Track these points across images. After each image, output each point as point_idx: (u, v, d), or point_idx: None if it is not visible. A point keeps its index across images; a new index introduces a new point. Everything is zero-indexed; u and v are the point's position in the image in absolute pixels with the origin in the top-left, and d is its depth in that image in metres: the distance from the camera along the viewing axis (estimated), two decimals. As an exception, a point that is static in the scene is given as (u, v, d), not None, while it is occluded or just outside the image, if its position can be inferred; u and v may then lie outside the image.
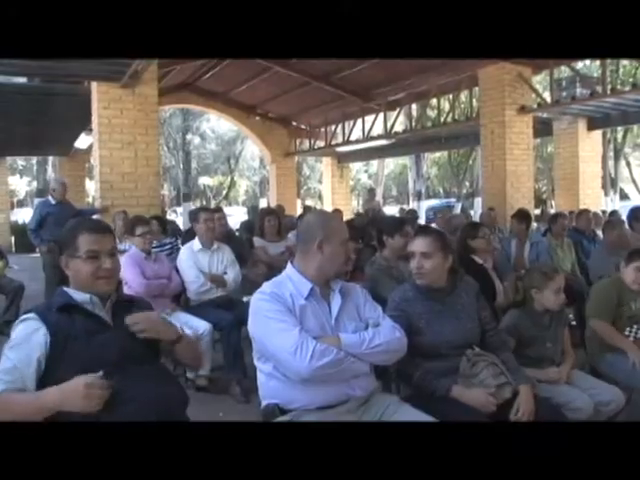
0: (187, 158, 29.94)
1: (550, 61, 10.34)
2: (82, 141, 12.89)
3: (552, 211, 14.60)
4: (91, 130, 9.58)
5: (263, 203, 25.54)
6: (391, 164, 36.63)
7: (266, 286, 2.50)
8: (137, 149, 8.63)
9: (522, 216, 7.13)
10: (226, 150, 34.65)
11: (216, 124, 32.29)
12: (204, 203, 34.88)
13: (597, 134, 12.82)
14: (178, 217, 24.97)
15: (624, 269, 3.83)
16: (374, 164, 32.83)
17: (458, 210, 19.47)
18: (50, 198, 8.12)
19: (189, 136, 30.53)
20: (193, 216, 5.69)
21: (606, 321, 3.71)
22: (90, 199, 22.52)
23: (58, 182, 8.50)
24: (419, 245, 2.92)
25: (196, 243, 5.31)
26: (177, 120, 29.28)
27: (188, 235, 7.06)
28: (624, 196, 27.06)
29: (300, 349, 2.24)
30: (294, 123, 17.16)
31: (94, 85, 8.56)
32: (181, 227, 11.81)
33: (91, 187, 22.10)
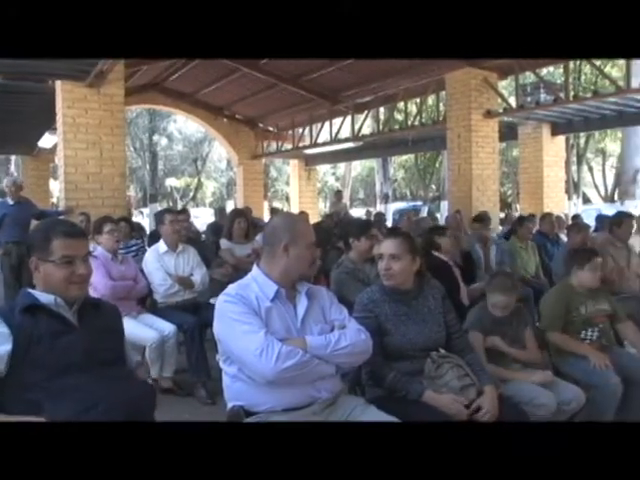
0: (154, 159, 29.66)
1: (516, 67, 10.50)
2: (46, 140, 12.66)
3: (516, 214, 14.82)
4: (55, 129, 9.44)
5: (230, 205, 25.43)
6: (358, 167, 36.74)
7: (231, 288, 2.49)
8: (102, 149, 8.52)
9: (484, 219, 7.27)
10: (193, 151, 34.35)
11: (183, 125, 32.00)
12: (171, 204, 34.58)
13: (561, 139, 13.02)
14: (144, 218, 24.71)
15: (580, 272, 3.88)
16: (341, 166, 32.90)
17: (425, 213, 19.63)
18: (8, 199, 8.00)
19: (156, 137, 30.24)
20: (158, 218, 5.65)
21: (559, 331, 3.79)
22: (54, 199, 22.16)
23: (10, 181, 8.38)
24: (388, 247, 2.94)
25: (161, 245, 5.27)
26: (144, 120, 28.96)
27: (153, 237, 7.02)
28: (586, 200, 27.61)
29: (265, 351, 2.23)
30: (261, 125, 17.09)
31: (58, 84, 8.42)
32: (147, 228, 11.71)
33: (55, 187, 21.73)
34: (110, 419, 1.97)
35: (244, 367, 2.35)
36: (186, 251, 5.37)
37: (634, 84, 9.25)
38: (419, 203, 26.49)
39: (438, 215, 17.19)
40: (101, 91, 8.43)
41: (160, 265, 5.14)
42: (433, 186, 29.07)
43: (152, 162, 29.26)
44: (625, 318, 3.97)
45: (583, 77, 18.82)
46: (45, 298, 2.15)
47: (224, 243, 6.44)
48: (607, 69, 16.19)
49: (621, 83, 9.69)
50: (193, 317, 4.90)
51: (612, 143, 26.35)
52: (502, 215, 14.09)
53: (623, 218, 6.01)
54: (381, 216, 12.03)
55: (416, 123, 12.70)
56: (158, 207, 23.40)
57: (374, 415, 2.48)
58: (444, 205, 17.10)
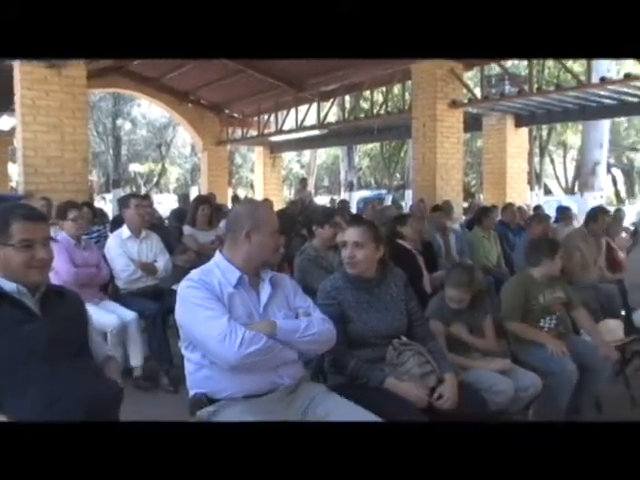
0: (117, 144, 29.22)
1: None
2: (4, 122, 12.40)
3: (476, 201, 14.99)
4: (14, 110, 9.22)
5: (194, 191, 25.21)
6: (323, 154, 36.68)
7: (194, 274, 2.47)
8: (64, 132, 8.37)
9: (444, 208, 7.36)
10: (157, 137, 33.90)
11: (147, 110, 31.51)
12: (134, 190, 34.06)
13: (524, 131, 13.18)
14: (107, 204, 24.36)
15: (550, 263, 3.96)
16: (306, 154, 32.84)
17: (389, 201, 19.73)
18: None
19: (119, 121, 29.77)
20: (123, 202, 5.57)
21: (519, 320, 3.87)
22: (13, 184, 21.69)
23: None
24: (352, 235, 2.95)
25: (125, 231, 5.20)
26: (107, 104, 28.44)
27: (116, 223, 6.93)
28: (548, 191, 28.10)
29: (229, 336, 2.23)
30: (227, 111, 16.93)
31: (16, 63, 8.22)
32: (110, 214, 11.56)
33: (14, 171, 21.26)
34: (74, 413, 1.94)
35: (207, 353, 2.34)
36: (149, 237, 5.31)
37: (594, 79, 9.42)
38: (383, 191, 26.53)
39: (403, 204, 17.31)
40: (62, 73, 8.27)
41: (123, 251, 5.07)
42: (398, 175, 29.14)
43: (115, 147, 28.84)
44: (579, 305, 4.08)
45: (546, 70, 19.05)
46: (7, 286, 2.11)
47: (187, 229, 6.39)
48: (569, 64, 16.40)
49: (583, 78, 9.85)
50: (155, 304, 4.86)
51: (573, 136, 26.74)
52: (465, 205, 14.23)
53: (599, 213, 6.17)
54: (345, 203, 12.07)
55: (382, 112, 12.74)
56: (121, 193, 23.06)
57: (336, 402, 2.49)
58: (408, 194, 17.23)
